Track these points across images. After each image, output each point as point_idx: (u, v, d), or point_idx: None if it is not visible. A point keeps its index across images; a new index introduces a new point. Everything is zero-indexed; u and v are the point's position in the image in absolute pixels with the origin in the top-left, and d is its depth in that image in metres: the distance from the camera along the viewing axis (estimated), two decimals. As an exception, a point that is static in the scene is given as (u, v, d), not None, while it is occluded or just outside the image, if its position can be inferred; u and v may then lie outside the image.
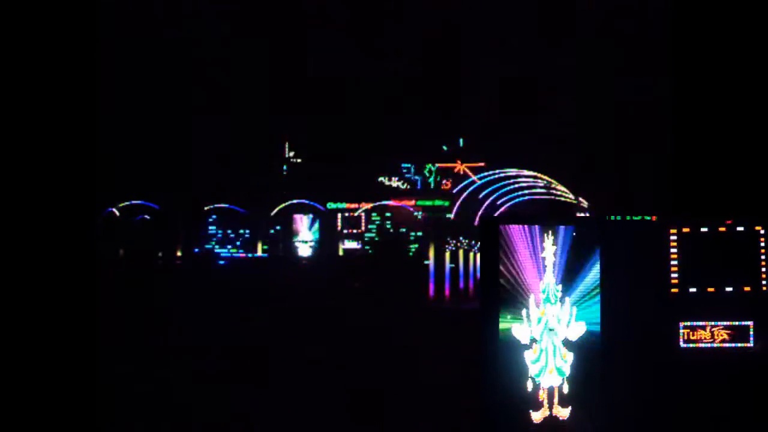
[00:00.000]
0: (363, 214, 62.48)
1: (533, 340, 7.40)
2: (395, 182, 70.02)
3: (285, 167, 71.44)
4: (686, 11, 8.25)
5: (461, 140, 70.35)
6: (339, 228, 62.55)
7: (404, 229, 63.67)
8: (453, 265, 59.45)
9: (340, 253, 62.30)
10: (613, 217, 7.59)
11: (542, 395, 7.41)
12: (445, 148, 71.39)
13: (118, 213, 62.95)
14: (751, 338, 7.43)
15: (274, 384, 20.06)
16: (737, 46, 8.14)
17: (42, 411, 7.29)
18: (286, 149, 72.07)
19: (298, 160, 72.50)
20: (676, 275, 7.45)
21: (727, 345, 7.42)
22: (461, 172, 65.82)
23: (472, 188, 60.73)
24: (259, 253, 63.36)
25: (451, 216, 60.44)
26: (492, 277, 7.29)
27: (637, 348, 7.41)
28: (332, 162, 68.35)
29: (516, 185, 61.70)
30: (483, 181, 60.93)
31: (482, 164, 66.10)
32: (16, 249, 7.36)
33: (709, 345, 7.42)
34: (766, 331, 7.40)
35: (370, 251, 63.31)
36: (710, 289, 7.43)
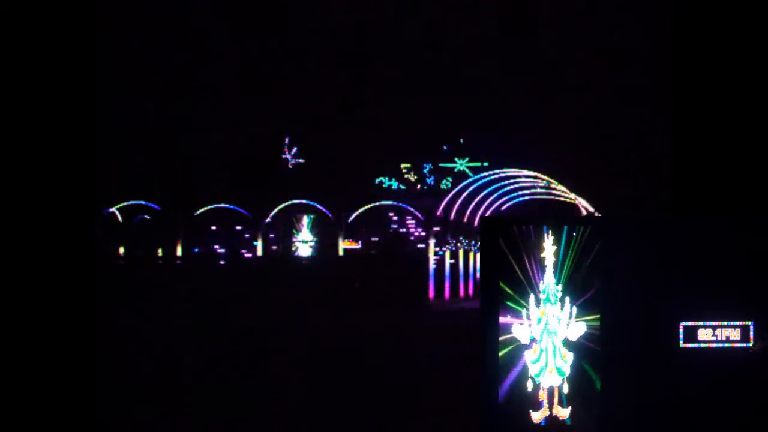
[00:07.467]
0: (363, 214, 62.42)
1: (533, 340, 7.39)
2: (395, 182, 70.09)
3: (286, 167, 71.57)
4: (688, 12, 8.25)
5: (461, 140, 70.46)
6: (339, 228, 62.52)
7: (404, 229, 63.66)
8: (453, 261, 59.63)
9: (340, 253, 62.24)
10: (612, 217, 7.60)
11: (542, 395, 7.41)
12: (445, 147, 71.46)
13: (118, 213, 62.91)
14: (751, 338, 7.42)
15: (273, 383, 20.07)
16: (738, 44, 8.15)
17: (40, 410, 7.29)
18: (287, 150, 72.13)
19: (299, 161, 72.56)
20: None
21: (726, 345, 7.41)
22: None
23: (472, 188, 60.66)
24: (259, 252, 63.32)
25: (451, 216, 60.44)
26: (492, 277, 7.28)
27: (637, 348, 7.40)
28: (332, 162, 68.37)
29: (516, 185, 61.62)
30: (483, 181, 60.85)
31: (485, 164, 66.09)
32: (16, 249, 7.36)
33: (708, 345, 7.41)
34: (766, 331, 7.39)
35: (371, 251, 63.28)
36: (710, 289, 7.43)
